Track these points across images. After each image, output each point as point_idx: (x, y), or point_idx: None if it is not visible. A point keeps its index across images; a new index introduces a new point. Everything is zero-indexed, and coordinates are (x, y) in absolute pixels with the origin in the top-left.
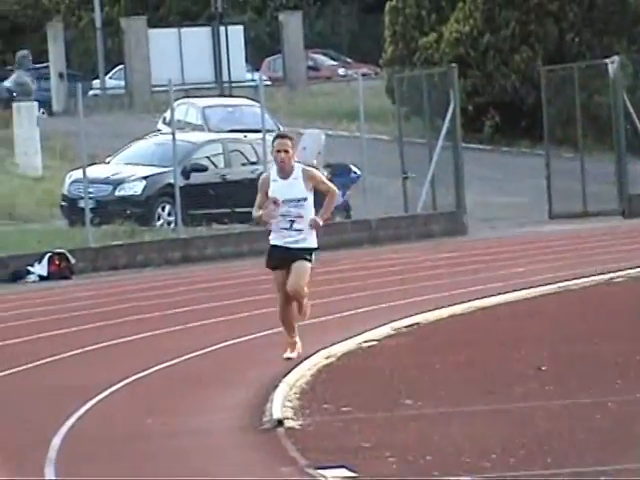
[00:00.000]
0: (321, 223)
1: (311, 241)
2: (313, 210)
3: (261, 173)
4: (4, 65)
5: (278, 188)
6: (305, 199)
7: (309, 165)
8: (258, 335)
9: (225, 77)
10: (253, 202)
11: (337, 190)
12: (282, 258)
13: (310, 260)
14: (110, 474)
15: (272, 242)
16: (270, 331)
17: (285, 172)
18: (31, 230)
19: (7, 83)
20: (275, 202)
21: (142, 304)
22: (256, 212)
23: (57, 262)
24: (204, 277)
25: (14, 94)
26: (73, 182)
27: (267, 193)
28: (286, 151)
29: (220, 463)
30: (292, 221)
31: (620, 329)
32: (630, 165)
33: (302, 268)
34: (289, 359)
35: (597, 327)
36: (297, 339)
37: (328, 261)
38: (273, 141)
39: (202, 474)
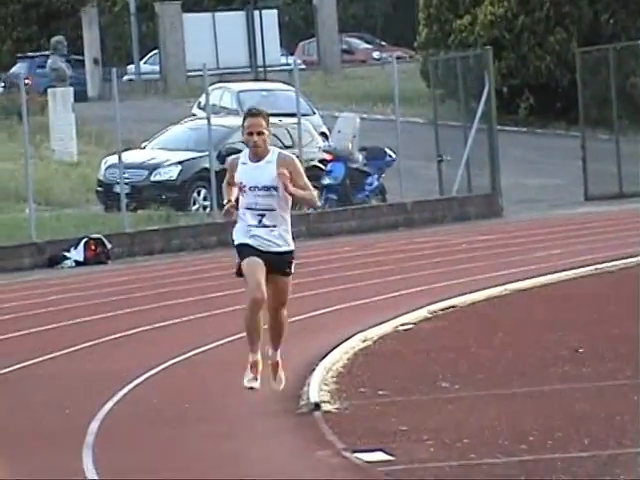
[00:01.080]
0: (290, 188)
1: (287, 241)
2: (289, 208)
3: (297, 157)
4: (39, 50)
5: (245, 172)
6: (276, 188)
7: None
8: (294, 319)
9: (259, 61)
10: None
11: (316, 195)
12: (257, 254)
13: (291, 272)
14: (146, 459)
15: (239, 241)
16: (306, 315)
17: (257, 156)
18: (67, 215)
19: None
20: (240, 188)
21: (178, 289)
22: (225, 191)
23: (93, 247)
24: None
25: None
26: (108, 167)
27: (233, 176)
28: (260, 133)
29: (256, 447)
30: (261, 215)
31: None
32: None
33: (285, 285)
34: (252, 389)
35: (634, 309)
36: (278, 357)
37: (364, 244)
38: (243, 120)
39: (237, 458)
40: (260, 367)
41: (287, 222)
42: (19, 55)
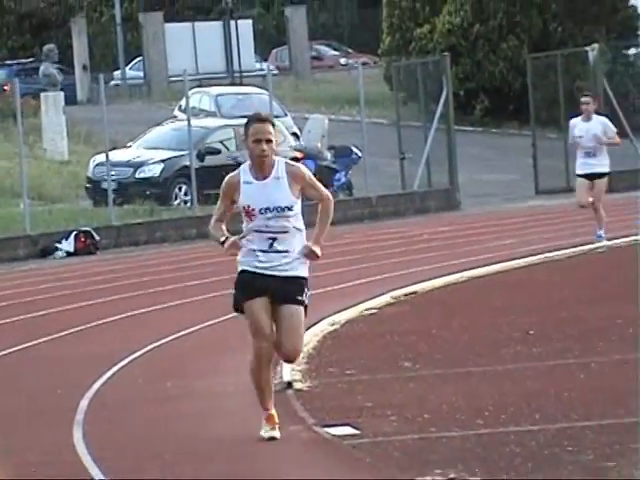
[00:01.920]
0: (319, 252)
1: (301, 268)
2: (302, 223)
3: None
4: (32, 58)
5: (252, 193)
6: (291, 208)
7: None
8: None
9: (236, 67)
10: None
11: (331, 197)
12: (260, 289)
13: (304, 301)
14: (132, 434)
15: (242, 267)
16: None
17: (263, 170)
18: (58, 210)
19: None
20: (247, 212)
21: (161, 277)
22: (213, 229)
23: (83, 239)
24: (218, 252)
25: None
26: (97, 165)
27: (232, 201)
28: (268, 140)
29: (233, 423)
30: (272, 239)
31: (602, 295)
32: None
33: (297, 320)
34: (273, 439)
35: (581, 294)
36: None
37: (332, 235)
38: (246, 126)
39: (216, 434)
40: (277, 419)
41: (302, 241)
42: None
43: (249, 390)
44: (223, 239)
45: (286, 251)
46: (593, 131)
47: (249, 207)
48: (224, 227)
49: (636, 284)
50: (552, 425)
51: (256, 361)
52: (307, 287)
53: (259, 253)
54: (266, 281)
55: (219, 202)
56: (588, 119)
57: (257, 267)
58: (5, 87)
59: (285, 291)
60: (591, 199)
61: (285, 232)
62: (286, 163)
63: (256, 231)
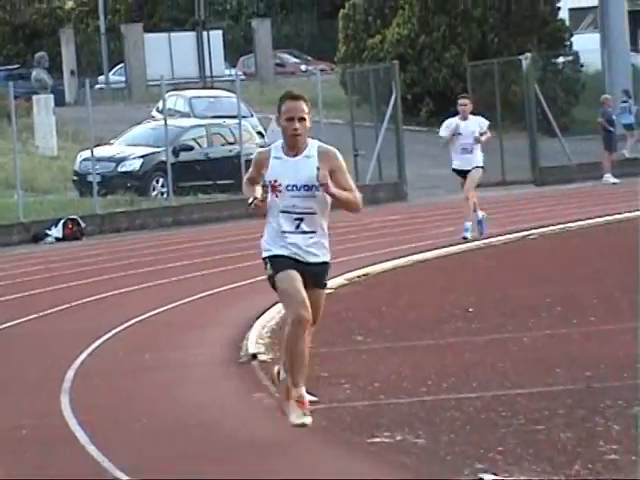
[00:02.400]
0: (331, 188)
1: (326, 249)
2: (329, 207)
3: (237, 154)
4: (24, 65)
5: (281, 168)
6: (318, 188)
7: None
8: (236, 285)
9: (207, 73)
10: (231, 176)
11: (360, 198)
12: (292, 265)
13: (326, 285)
14: (113, 401)
15: (272, 252)
16: (244, 282)
17: (295, 148)
18: (48, 200)
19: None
20: (273, 187)
21: (141, 261)
22: (246, 188)
23: (70, 226)
24: (191, 238)
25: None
26: (83, 160)
27: (260, 174)
28: (301, 119)
29: (205, 391)
30: (299, 219)
31: (533, 277)
32: (540, 142)
33: (318, 302)
34: (303, 426)
35: (515, 276)
36: (304, 393)
37: None
38: (280, 104)
39: (190, 400)
40: (307, 401)
41: (326, 227)
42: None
43: (218, 361)
44: (250, 200)
45: (313, 232)
46: (471, 129)
47: (275, 182)
48: (258, 188)
49: (564, 267)
50: (488, 392)
51: (293, 329)
52: (329, 269)
53: (287, 234)
54: (297, 266)
55: (250, 171)
56: (465, 118)
57: (287, 253)
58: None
59: (314, 277)
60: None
61: (312, 213)
62: (319, 145)
63: (283, 212)
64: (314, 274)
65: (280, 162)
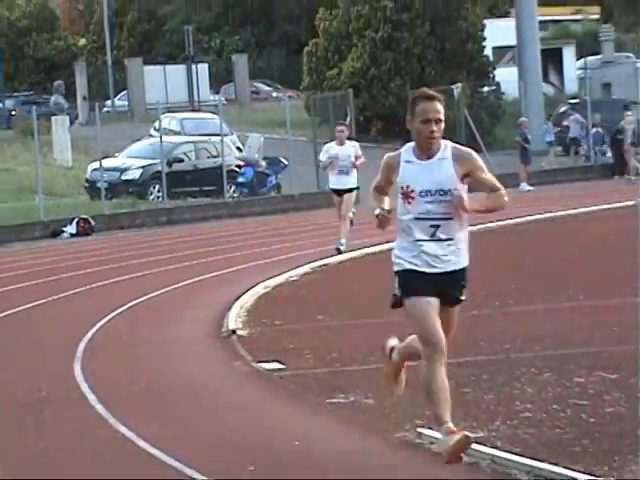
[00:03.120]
0: (467, 205)
1: (465, 256)
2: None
3: (220, 165)
4: (44, 92)
5: (412, 173)
6: (453, 192)
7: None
8: (219, 273)
9: (195, 98)
10: (215, 183)
11: (504, 194)
12: (427, 288)
13: (463, 300)
14: (117, 368)
15: (404, 266)
16: (224, 271)
17: (429, 151)
18: (64, 203)
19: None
20: (405, 194)
21: (139, 253)
22: (374, 198)
23: (82, 224)
24: (182, 234)
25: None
26: (93, 170)
27: (390, 181)
28: (438, 120)
29: (193, 360)
30: (435, 226)
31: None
32: None
33: (456, 318)
34: (466, 440)
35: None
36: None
37: (265, 222)
38: (413, 105)
39: (181, 367)
40: (457, 429)
41: (466, 231)
42: (6, 95)
43: (204, 336)
44: (377, 212)
45: (450, 239)
46: (347, 153)
47: (407, 188)
48: (386, 200)
49: (488, 259)
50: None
51: (430, 365)
52: (466, 279)
53: (422, 243)
54: (433, 280)
55: (378, 177)
56: (342, 143)
57: (420, 264)
58: (13, 112)
59: (449, 289)
60: (345, 212)
61: (448, 219)
62: (453, 146)
63: (416, 219)
64: (449, 286)
65: (412, 166)
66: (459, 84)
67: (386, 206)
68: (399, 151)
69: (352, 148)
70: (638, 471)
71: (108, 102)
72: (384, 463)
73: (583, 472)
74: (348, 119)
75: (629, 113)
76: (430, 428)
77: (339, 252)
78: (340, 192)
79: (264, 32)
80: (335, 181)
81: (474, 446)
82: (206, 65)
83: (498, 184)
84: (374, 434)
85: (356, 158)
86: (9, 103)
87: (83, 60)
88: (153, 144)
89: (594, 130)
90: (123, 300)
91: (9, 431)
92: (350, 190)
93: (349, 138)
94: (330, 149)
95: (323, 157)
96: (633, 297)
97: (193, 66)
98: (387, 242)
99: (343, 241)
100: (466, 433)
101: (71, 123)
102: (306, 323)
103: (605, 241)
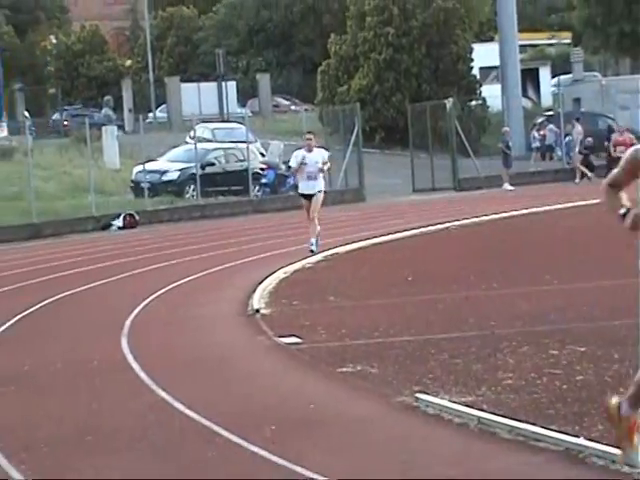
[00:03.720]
0: None
1: None
2: None
3: (246, 168)
4: (96, 106)
5: None
6: None
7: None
8: (245, 260)
9: (225, 111)
10: (241, 183)
11: None
12: None
13: None
14: (158, 342)
15: None
16: (251, 258)
17: None
18: (113, 200)
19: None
20: None
21: (177, 243)
22: (609, 197)
23: (128, 219)
24: (213, 227)
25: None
26: (138, 172)
27: (635, 176)
28: None
29: (223, 334)
30: None
31: (454, 256)
32: (458, 161)
33: None
34: None
35: (441, 255)
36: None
37: (286, 217)
38: None
39: (212, 341)
40: None
41: None
42: (57, 108)
43: (232, 314)
44: (623, 211)
45: None
46: (315, 159)
47: None
48: (624, 196)
49: (475, 248)
50: (422, 337)
51: None
52: None
53: None
54: None
55: (618, 170)
56: (310, 151)
57: None
58: (65, 123)
59: None
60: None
61: None
62: None
63: None
64: None
65: None
66: (451, 99)
67: (627, 203)
68: None
69: (320, 155)
70: (605, 431)
71: (150, 114)
72: (385, 423)
73: (557, 431)
74: (356, 128)
75: (578, 124)
76: (426, 393)
77: (312, 252)
78: (308, 196)
79: (284, 54)
80: (304, 186)
81: (464, 409)
82: (234, 82)
83: None
84: (377, 398)
85: (323, 164)
86: (65, 115)
87: (129, 78)
88: (189, 150)
89: (567, 138)
90: (163, 283)
91: (67, 395)
92: (317, 193)
93: (321, 147)
94: (298, 156)
95: (293, 163)
96: (600, 280)
97: (223, 83)
98: (390, 234)
99: (313, 241)
100: None
101: (118, 132)
102: (320, 303)
103: (574, 234)
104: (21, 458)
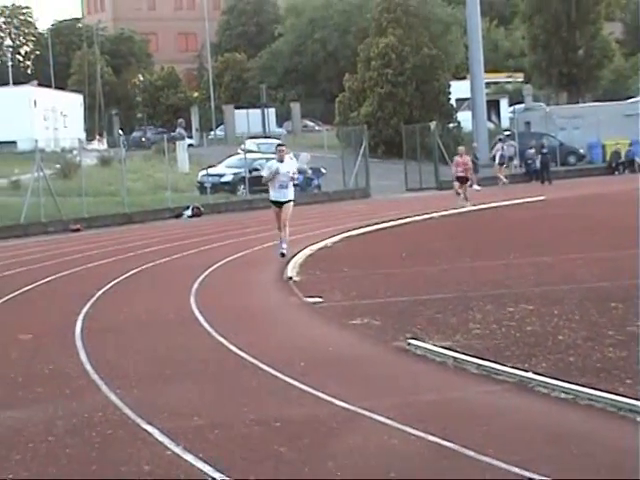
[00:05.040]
0: None
1: None
2: None
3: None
4: (173, 127)
5: None
6: None
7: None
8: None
9: (267, 130)
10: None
11: None
12: None
13: None
14: (216, 301)
15: None
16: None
17: None
18: (184, 196)
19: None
20: None
21: (232, 227)
22: None
23: (195, 209)
24: (258, 216)
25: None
26: (202, 175)
27: None
28: None
29: (265, 295)
30: None
31: (438, 237)
32: (440, 168)
33: None
34: None
35: (428, 236)
36: None
37: (310, 209)
38: None
39: (256, 300)
40: None
41: None
42: (135, 128)
43: (272, 280)
44: None
45: None
46: (286, 169)
47: None
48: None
49: (454, 232)
50: (412, 297)
51: None
52: None
53: None
54: None
55: None
56: (282, 161)
57: None
58: (143, 139)
59: None
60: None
61: None
62: None
63: None
64: None
65: None
66: (434, 122)
67: None
68: None
69: (291, 165)
70: (548, 367)
71: (212, 132)
72: (385, 361)
73: (512, 367)
74: (363, 144)
75: (499, 143)
76: (415, 339)
77: (283, 255)
78: (279, 204)
79: (310, 88)
80: (275, 194)
81: (443, 351)
82: (273, 109)
83: None
84: (379, 343)
85: (293, 174)
86: (137, 133)
87: (196, 106)
88: (240, 159)
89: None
90: (221, 257)
91: (149, 339)
92: (288, 202)
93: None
94: (272, 166)
95: (265, 173)
96: (544, 256)
97: (265, 110)
98: (389, 221)
99: (285, 246)
100: None
101: (188, 146)
102: (336, 273)
103: (525, 221)
104: (117, 385)
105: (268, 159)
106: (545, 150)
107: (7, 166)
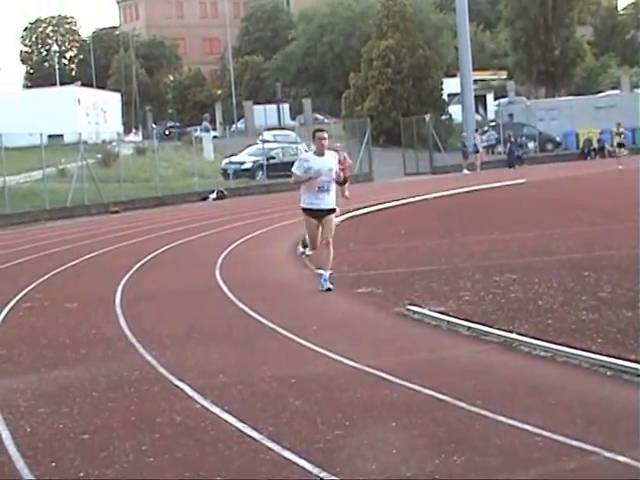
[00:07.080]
0: None
1: None
2: None
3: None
4: (199, 121)
5: None
6: None
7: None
8: (297, 220)
9: (282, 123)
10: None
11: None
12: None
13: None
14: (238, 272)
15: None
16: (300, 218)
17: None
18: (210, 181)
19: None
20: None
21: (252, 209)
22: None
23: (219, 193)
24: (275, 198)
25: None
26: (225, 163)
27: None
28: None
29: (281, 267)
30: None
31: (432, 217)
32: (434, 154)
33: None
34: None
35: (424, 216)
36: None
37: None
38: None
39: (273, 271)
40: None
41: None
42: (155, 122)
43: (286, 254)
44: None
45: None
46: (328, 165)
47: None
48: None
49: (446, 212)
50: (409, 269)
51: None
52: None
53: None
54: None
55: None
56: (322, 154)
57: None
58: (167, 132)
59: None
60: None
61: None
62: None
63: None
64: None
65: None
66: (428, 115)
67: None
68: None
69: (333, 161)
70: (530, 328)
71: (233, 125)
72: (386, 325)
73: (498, 329)
74: (367, 134)
75: (476, 135)
76: (413, 305)
77: (329, 290)
78: (318, 213)
79: (320, 86)
80: (311, 200)
81: (437, 315)
82: (287, 104)
83: None
84: (381, 309)
85: (336, 173)
86: (158, 127)
87: (220, 102)
88: (259, 148)
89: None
90: (242, 235)
91: (179, 307)
92: (330, 211)
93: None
94: (308, 161)
95: (299, 171)
96: (526, 232)
97: (280, 105)
98: (388, 202)
99: (327, 275)
100: None
101: (213, 137)
102: (343, 247)
103: (509, 201)
104: (151, 347)
105: (284, 148)
106: (513, 139)
107: (55, 156)
